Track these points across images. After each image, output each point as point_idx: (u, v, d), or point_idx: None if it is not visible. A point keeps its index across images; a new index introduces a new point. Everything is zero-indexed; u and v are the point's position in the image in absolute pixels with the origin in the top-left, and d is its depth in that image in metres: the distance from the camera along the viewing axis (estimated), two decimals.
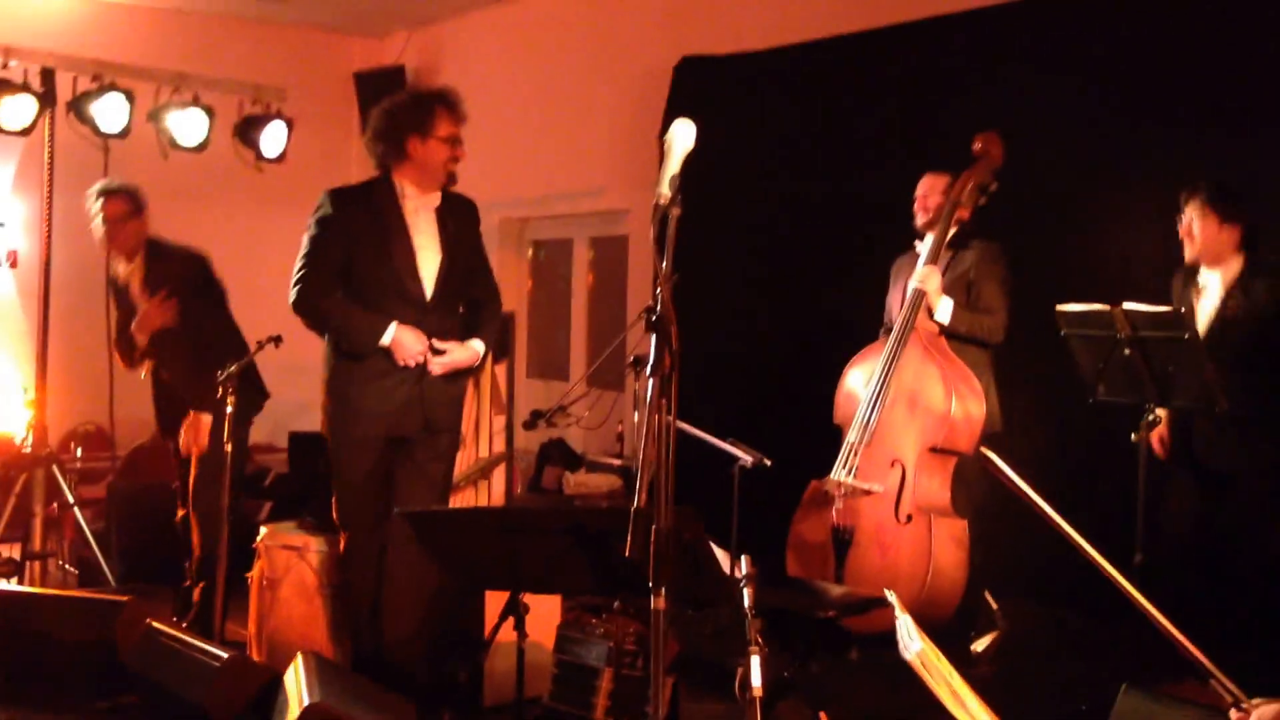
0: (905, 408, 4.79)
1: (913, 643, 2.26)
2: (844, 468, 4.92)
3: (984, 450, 2.68)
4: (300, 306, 4.29)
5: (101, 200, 5.32)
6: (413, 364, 4.28)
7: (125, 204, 5.33)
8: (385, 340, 4.23)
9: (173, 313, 5.21)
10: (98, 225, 5.32)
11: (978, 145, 4.91)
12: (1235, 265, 4.48)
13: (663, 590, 2.33)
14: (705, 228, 6.28)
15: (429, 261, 4.36)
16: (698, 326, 6.26)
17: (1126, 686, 3.75)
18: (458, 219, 4.45)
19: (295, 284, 4.30)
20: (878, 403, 4.83)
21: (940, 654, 2.32)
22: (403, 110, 4.31)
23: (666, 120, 6.66)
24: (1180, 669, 3.99)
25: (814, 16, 6.32)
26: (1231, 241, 4.46)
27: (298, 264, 4.33)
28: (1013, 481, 2.51)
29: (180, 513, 5.36)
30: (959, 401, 4.75)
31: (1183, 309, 4.40)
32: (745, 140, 6.45)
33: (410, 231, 4.32)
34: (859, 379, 5.00)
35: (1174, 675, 3.87)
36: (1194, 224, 4.47)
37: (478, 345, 4.45)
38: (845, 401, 5.05)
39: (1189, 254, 4.53)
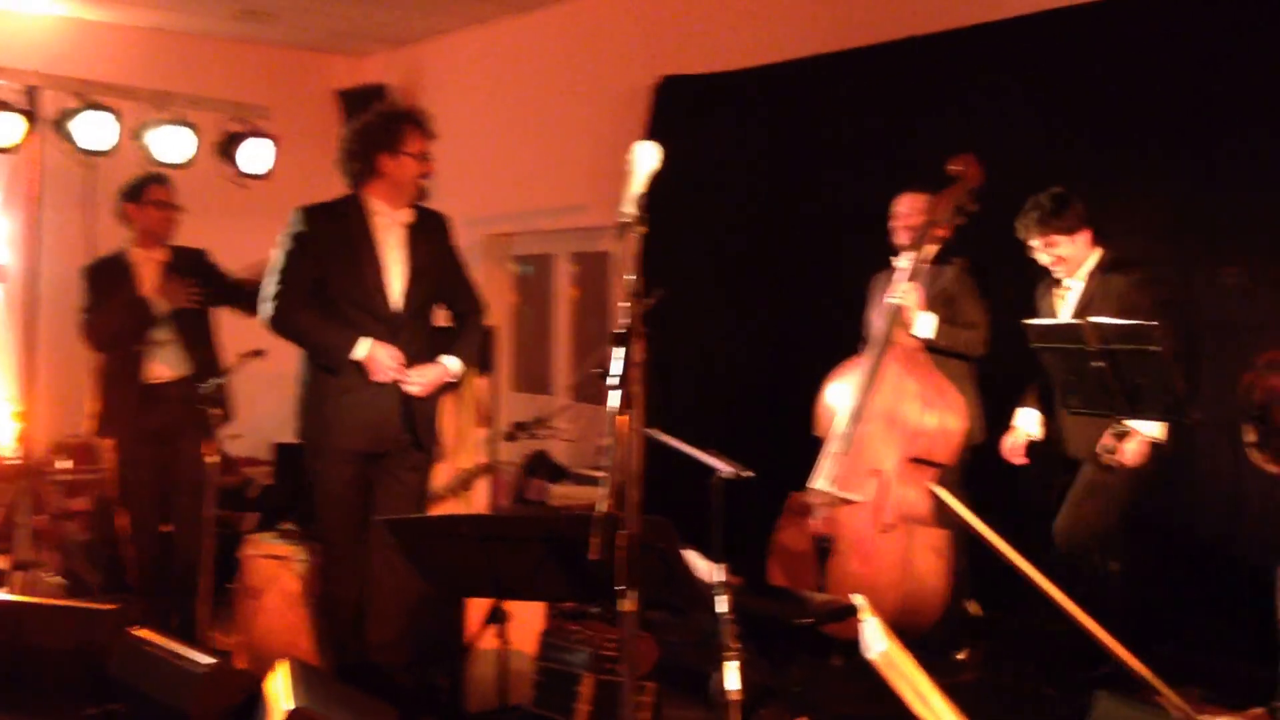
0: (884, 420, 4.88)
1: (877, 643, 2.33)
2: (825, 477, 5.00)
3: (932, 486, 2.76)
4: (275, 322, 4.36)
5: (157, 185, 5.54)
6: (386, 381, 4.33)
7: (172, 192, 5.58)
8: (358, 354, 4.30)
9: (196, 297, 5.39)
10: (148, 210, 5.48)
11: (957, 167, 5.01)
12: (1092, 262, 4.73)
13: (630, 593, 2.39)
14: (687, 244, 6.42)
15: (398, 277, 4.43)
16: (680, 341, 6.42)
17: (1101, 693, 3.84)
18: (429, 234, 4.53)
19: (270, 299, 4.37)
20: (858, 414, 4.92)
21: (906, 655, 2.39)
22: (373, 128, 4.41)
23: (648, 138, 6.77)
24: (1158, 676, 4.10)
25: (792, 37, 6.42)
26: (1086, 244, 4.71)
27: (271, 280, 4.39)
28: (960, 516, 2.58)
29: (163, 525, 5.44)
30: (937, 414, 4.84)
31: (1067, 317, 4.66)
32: (725, 158, 6.56)
33: (379, 248, 4.40)
34: (839, 391, 5.08)
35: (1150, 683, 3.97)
36: (1052, 250, 4.69)
37: (450, 362, 4.50)
38: (826, 413, 5.13)
39: (1063, 275, 4.75)
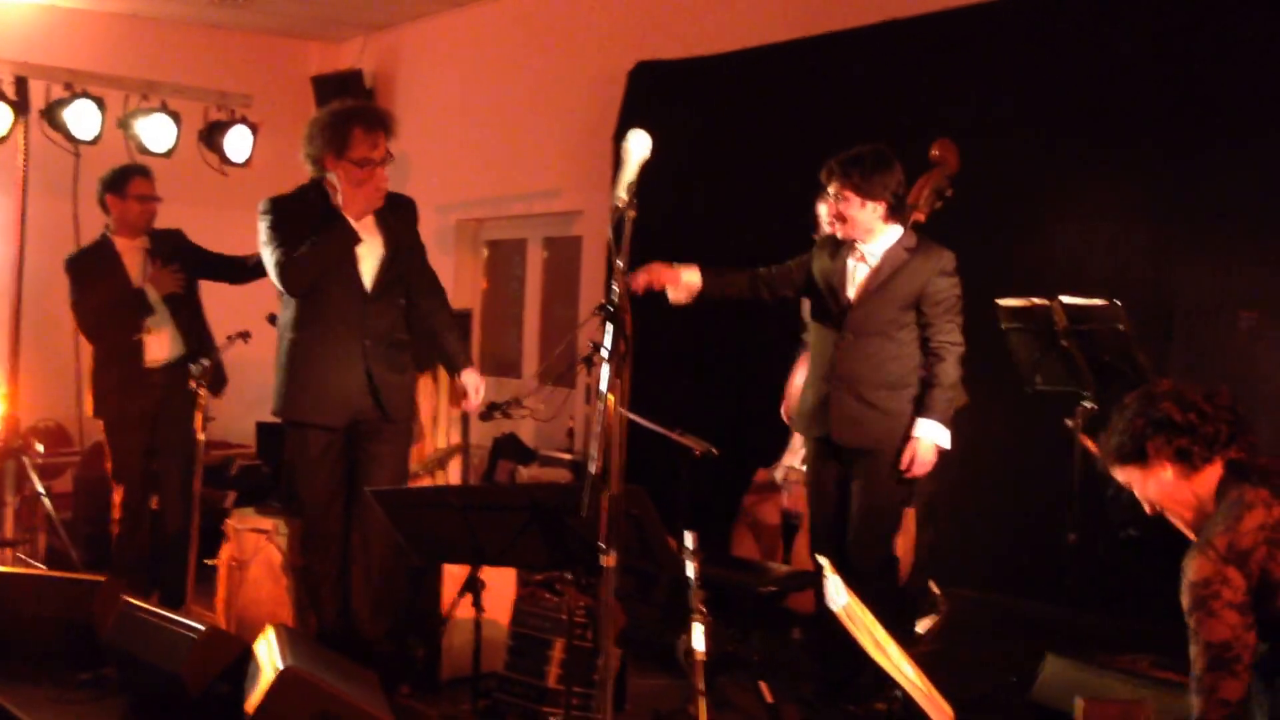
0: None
1: (839, 597, 2.53)
2: (793, 456, 5.16)
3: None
4: (288, 275, 4.44)
5: (140, 179, 5.63)
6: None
7: (154, 184, 5.69)
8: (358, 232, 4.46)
9: (182, 281, 5.56)
10: (130, 204, 5.57)
11: (935, 152, 5.04)
12: (889, 237, 4.46)
13: (611, 551, 2.58)
14: (659, 227, 6.50)
15: (370, 255, 4.55)
16: (652, 322, 6.52)
17: (1050, 655, 4.05)
18: (399, 216, 4.66)
19: (275, 264, 4.46)
20: None
21: (865, 608, 2.59)
22: (325, 125, 4.51)
23: (621, 124, 6.92)
24: (1106, 648, 4.32)
25: (766, 22, 6.50)
26: (879, 216, 4.41)
27: (269, 249, 4.49)
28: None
29: (153, 501, 5.60)
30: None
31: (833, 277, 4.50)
32: (699, 143, 6.66)
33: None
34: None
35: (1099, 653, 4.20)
36: (841, 207, 4.40)
37: (469, 377, 4.74)
38: (795, 394, 5.26)
39: (841, 234, 4.47)
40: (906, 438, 4.33)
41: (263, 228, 4.54)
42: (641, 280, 4.40)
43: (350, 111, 4.56)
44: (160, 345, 5.58)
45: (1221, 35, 4.95)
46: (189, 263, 5.69)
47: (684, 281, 4.50)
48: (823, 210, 4.99)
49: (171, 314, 5.60)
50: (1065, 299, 4.39)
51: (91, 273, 5.58)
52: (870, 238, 4.42)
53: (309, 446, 4.55)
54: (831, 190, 4.42)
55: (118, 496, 5.62)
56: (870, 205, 4.36)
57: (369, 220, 4.57)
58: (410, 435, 4.84)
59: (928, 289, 4.36)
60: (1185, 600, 2.66)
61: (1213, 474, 2.76)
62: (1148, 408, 2.82)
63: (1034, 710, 4.06)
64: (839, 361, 4.43)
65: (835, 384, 4.42)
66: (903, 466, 4.31)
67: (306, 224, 4.48)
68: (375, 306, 4.55)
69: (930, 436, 4.30)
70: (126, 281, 5.58)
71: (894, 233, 4.44)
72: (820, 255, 4.59)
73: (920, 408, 4.34)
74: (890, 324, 4.38)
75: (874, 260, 4.43)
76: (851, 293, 4.44)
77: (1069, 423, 4.56)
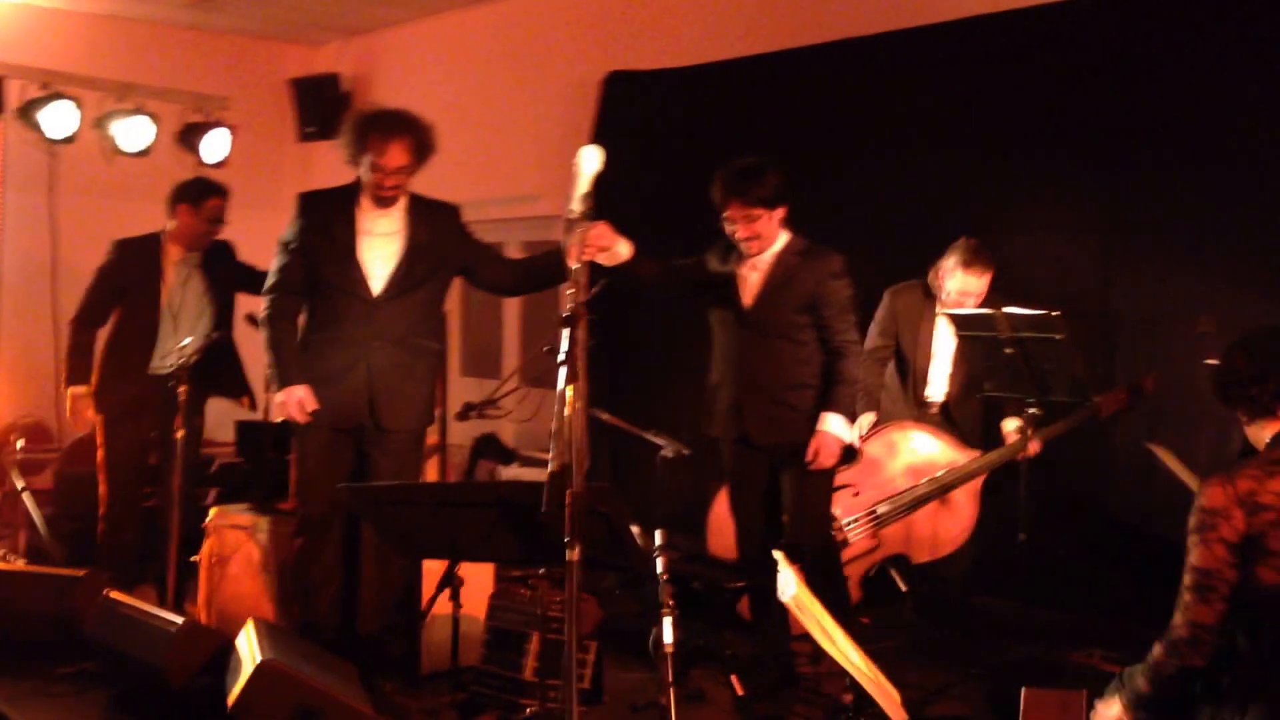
0: None
1: (789, 588, 2.65)
2: None
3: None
4: (262, 322, 4.65)
5: (217, 200, 5.65)
6: (277, 418, 4.62)
7: (227, 207, 5.71)
8: (277, 395, 4.58)
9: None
10: (201, 221, 5.61)
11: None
12: (780, 244, 4.51)
13: (575, 544, 2.70)
14: (632, 234, 6.65)
15: (382, 259, 4.57)
16: (629, 327, 6.67)
17: (1026, 690, 4.19)
18: (431, 224, 4.66)
19: (265, 293, 4.66)
20: None
21: (814, 599, 2.72)
22: (349, 130, 4.56)
23: (595, 130, 7.05)
24: (1061, 643, 4.45)
25: (737, 36, 6.68)
26: (779, 222, 4.45)
27: (271, 275, 4.66)
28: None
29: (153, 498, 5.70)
30: None
31: (729, 276, 4.53)
32: (670, 150, 6.81)
33: (360, 232, 4.56)
34: None
35: (1060, 649, 4.34)
36: (750, 225, 4.39)
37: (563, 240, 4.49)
38: None
39: (756, 250, 4.47)
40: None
41: (284, 235, 4.66)
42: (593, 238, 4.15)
43: (368, 119, 4.57)
44: (171, 355, 5.55)
45: (1158, 58, 5.17)
46: (231, 278, 5.74)
47: (616, 249, 4.45)
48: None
49: (202, 334, 5.59)
50: (1009, 309, 4.53)
51: (130, 270, 5.63)
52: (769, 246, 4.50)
53: (308, 446, 4.62)
54: (737, 214, 4.40)
55: (103, 490, 5.67)
56: (778, 213, 4.43)
57: (390, 222, 4.59)
58: (416, 445, 4.79)
59: (820, 291, 4.44)
60: (1190, 520, 2.82)
61: (1272, 426, 2.90)
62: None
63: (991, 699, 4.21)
64: (746, 365, 4.53)
65: (745, 387, 4.53)
66: (808, 458, 4.40)
67: (323, 227, 4.57)
68: (385, 310, 4.56)
69: (835, 430, 4.41)
70: (158, 296, 5.61)
71: (782, 238, 4.52)
72: (711, 260, 4.65)
73: (825, 402, 4.44)
74: (790, 327, 4.47)
75: (764, 266, 4.50)
76: (747, 299, 4.52)
77: (1009, 425, 4.71)
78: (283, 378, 4.56)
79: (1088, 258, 5.38)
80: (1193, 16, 5.10)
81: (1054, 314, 4.44)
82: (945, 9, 5.77)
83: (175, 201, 5.65)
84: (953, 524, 5.23)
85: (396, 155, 4.46)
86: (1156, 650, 2.86)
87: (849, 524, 5.14)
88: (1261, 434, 2.92)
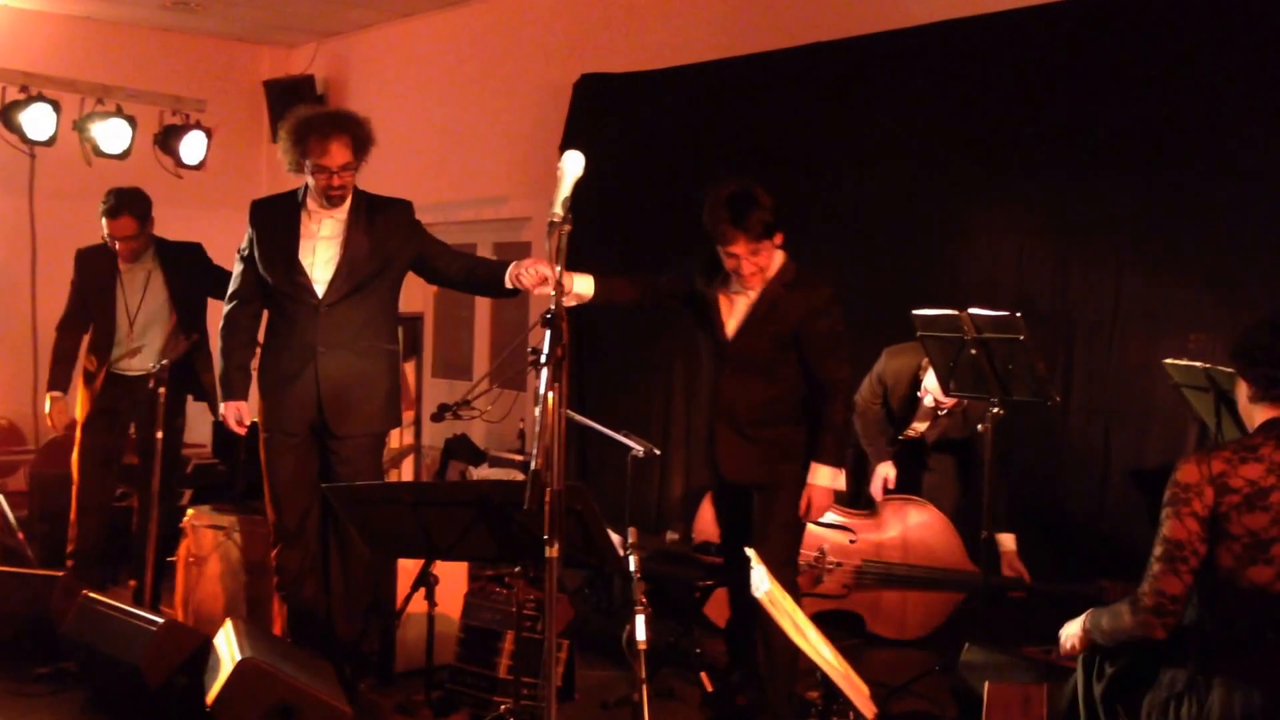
0: None
1: (762, 584, 2.73)
2: None
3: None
4: (221, 332, 4.78)
5: (126, 219, 5.58)
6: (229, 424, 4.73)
7: (141, 224, 5.64)
8: (221, 410, 4.75)
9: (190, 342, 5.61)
10: (112, 238, 5.60)
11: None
12: (774, 265, 4.25)
13: (553, 542, 2.78)
14: (604, 235, 6.74)
15: (324, 263, 4.58)
16: (601, 328, 6.74)
17: (969, 644, 4.29)
18: (377, 222, 4.63)
19: (224, 309, 4.77)
20: None
21: (786, 594, 2.80)
22: (289, 133, 4.55)
23: (567, 133, 7.12)
24: (1021, 639, 4.55)
25: (705, 40, 6.76)
26: (777, 250, 4.24)
27: (231, 279, 4.78)
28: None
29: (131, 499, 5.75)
30: None
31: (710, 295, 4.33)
32: (641, 153, 6.88)
33: (303, 236, 4.59)
34: None
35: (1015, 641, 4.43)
36: (754, 259, 4.13)
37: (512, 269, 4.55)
38: None
39: (754, 285, 4.22)
40: (794, 465, 4.24)
41: (241, 246, 4.75)
42: (534, 280, 4.37)
43: (308, 120, 4.56)
44: (142, 359, 5.67)
45: (1116, 62, 5.26)
46: (200, 280, 5.76)
47: (575, 291, 4.31)
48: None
49: (164, 334, 5.69)
50: (973, 310, 4.61)
51: (91, 276, 5.69)
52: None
53: (270, 450, 4.65)
54: (742, 250, 4.09)
55: (74, 509, 5.70)
56: (778, 239, 4.17)
57: (334, 225, 4.60)
58: (373, 449, 4.76)
59: (804, 330, 4.18)
60: (1166, 493, 2.91)
61: (1267, 414, 2.97)
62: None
63: (954, 692, 4.30)
64: (721, 397, 4.30)
65: (719, 417, 4.31)
66: (800, 513, 4.22)
67: (269, 234, 4.63)
68: (332, 314, 4.57)
69: (824, 483, 4.19)
70: (114, 299, 5.65)
71: (776, 260, 4.24)
72: (697, 279, 4.39)
73: (814, 451, 4.21)
74: (769, 363, 4.23)
75: (750, 295, 4.23)
76: (731, 327, 4.27)
77: (979, 427, 4.80)
78: (225, 390, 4.73)
79: (1046, 259, 5.48)
80: (1151, 21, 5.21)
81: (1016, 315, 4.51)
82: (915, 14, 5.86)
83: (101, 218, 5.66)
84: (925, 616, 5.38)
85: (338, 153, 4.47)
86: (1125, 614, 2.95)
87: (832, 565, 5.25)
88: (1255, 415, 2.99)
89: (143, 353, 5.67)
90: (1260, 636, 2.82)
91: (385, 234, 4.66)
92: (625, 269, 6.84)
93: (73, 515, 5.73)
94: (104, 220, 5.59)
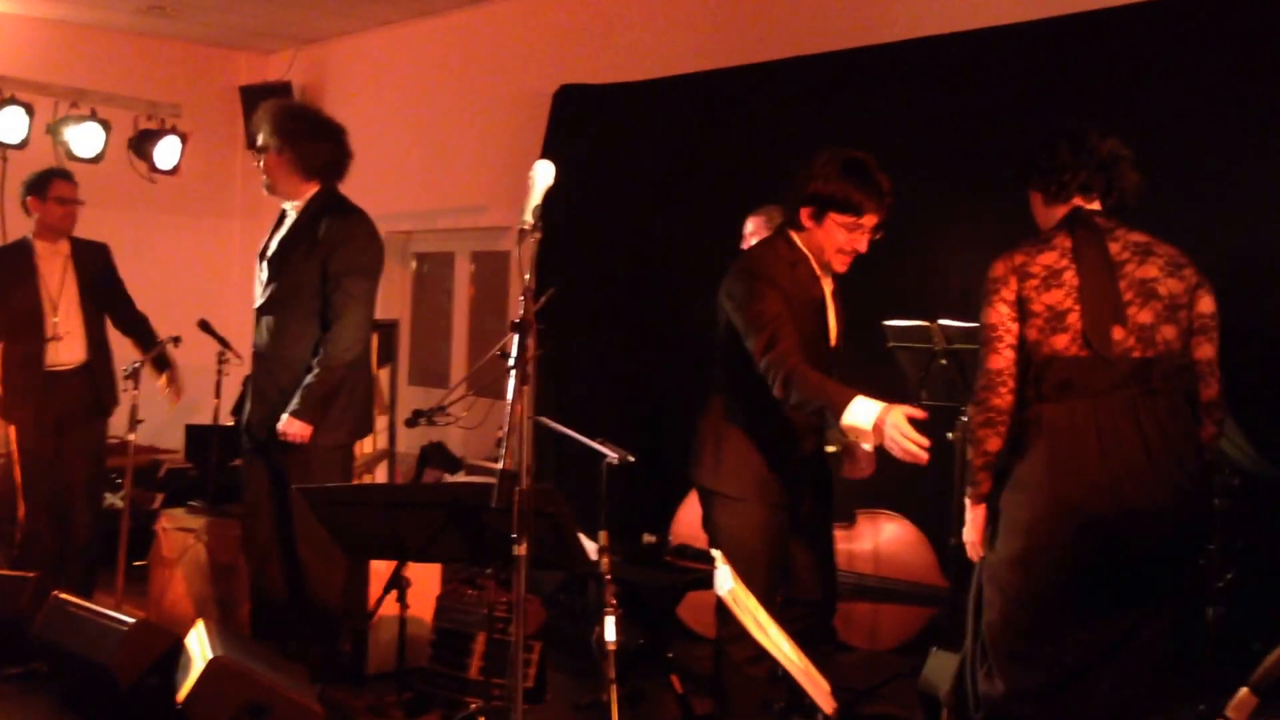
0: None
1: (726, 583, 2.77)
2: None
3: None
4: None
5: (61, 181, 5.70)
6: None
7: (75, 188, 5.75)
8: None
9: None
10: (50, 205, 5.64)
11: None
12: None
13: (521, 541, 2.81)
14: (583, 243, 6.79)
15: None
16: (573, 338, 6.77)
17: (935, 649, 4.34)
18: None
19: None
20: None
21: (749, 593, 2.84)
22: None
23: (547, 143, 7.16)
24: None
25: (686, 52, 6.80)
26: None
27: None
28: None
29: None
30: None
31: None
32: (620, 163, 6.92)
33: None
34: None
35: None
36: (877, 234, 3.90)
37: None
38: None
39: (845, 268, 3.87)
40: None
41: None
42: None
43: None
44: (67, 350, 5.65)
45: (1083, 77, 5.35)
46: (104, 279, 5.80)
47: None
48: (750, 226, 5.14)
49: (84, 321, 5.69)
50: (943, 321, 4.68)
51: (6, 273, 5.65)
52: None
53: (241, 451, 4.75)
54: (872, 223, 3.78)
55: (22, 511, 5.63)
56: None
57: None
58: (288, 464, 4.61)
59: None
60: (982, 289, 3.33)
61: (1061, 212, 3.37)
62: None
63: (920, 696, 4.34)
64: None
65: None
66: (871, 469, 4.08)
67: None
68: (63, 345, 5.55)
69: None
70: (37, 286, 5.63)
71: None
72: (779, 271, 3.74)
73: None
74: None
75: (829, 285, 3.85)
76: (834, 330, 3.86)
77: (949, 436, 4.86)
78: None
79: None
80: (1129, 40, 5.28)
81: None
82: (894, 30, 5.93)
83: (23, 199, 5.72)
84: (897, 627, 5.43)
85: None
86: (971, 415, 3.30)
87: None
88: (1052, 215, 3.38)
89: (66, 341, 5.64)
90: (1066, 388, 3.19)
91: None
92: (603, 280, 6.96)
93: (18, 540, 5.65)
94: (46, 193, 5.63)
